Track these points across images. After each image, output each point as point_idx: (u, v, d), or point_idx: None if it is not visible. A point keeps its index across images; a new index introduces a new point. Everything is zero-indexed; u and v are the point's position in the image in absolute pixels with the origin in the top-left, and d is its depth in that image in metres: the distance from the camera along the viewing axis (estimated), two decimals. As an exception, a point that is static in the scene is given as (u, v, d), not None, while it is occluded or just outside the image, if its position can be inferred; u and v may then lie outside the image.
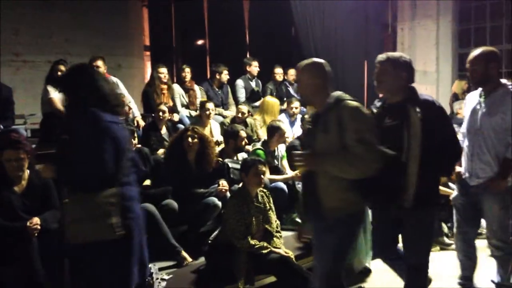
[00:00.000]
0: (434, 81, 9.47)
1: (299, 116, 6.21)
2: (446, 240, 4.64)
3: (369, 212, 4.20)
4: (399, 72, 2.85)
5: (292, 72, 7.25)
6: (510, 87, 3.15)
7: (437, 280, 3.69)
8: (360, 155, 2.46)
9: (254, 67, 6.68)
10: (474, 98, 3.34)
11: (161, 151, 4.86)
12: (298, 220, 4.81)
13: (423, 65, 9.66)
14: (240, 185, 3.89)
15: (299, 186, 4.99)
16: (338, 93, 2.68)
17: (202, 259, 3.71)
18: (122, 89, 5.46)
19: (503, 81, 3.22)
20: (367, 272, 4.04)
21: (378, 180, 2.51)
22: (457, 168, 3.41)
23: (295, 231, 4.53)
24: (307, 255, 3.93)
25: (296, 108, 6.29)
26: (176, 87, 6.15)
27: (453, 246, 4.19)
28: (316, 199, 2.63)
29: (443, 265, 4.04)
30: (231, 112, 6.34)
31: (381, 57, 2.92)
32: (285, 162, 5.13)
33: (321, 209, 2.62)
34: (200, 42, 7.98)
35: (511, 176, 3.15)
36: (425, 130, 2.71)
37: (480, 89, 3.29)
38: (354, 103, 2.59)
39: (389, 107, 2.91)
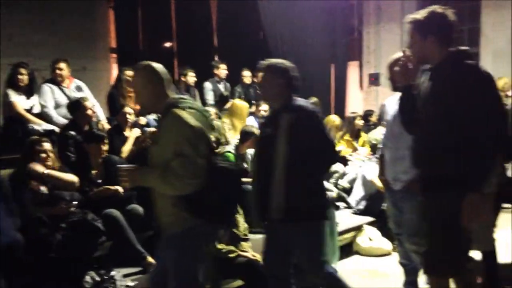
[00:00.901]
0: (399, 84, 9.66)
1: (267, 119, 6.24)
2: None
3: (334, 212, 4.27)
4: (277, 79, 2.82)
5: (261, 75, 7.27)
6: None
7: (396, 279, 3.77)
8: (176, 170, 2.27)
9: (222, 70, 6.66)
10: (394, 103, 3.29)
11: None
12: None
13: (388, 68, 9.82)
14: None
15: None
16: (175, 98, 2.48)
17: (168, 265, 3.67)
18: (87, 92, 5.35)
19: None
20: (334, 273, 4.06)
21: (206, 195, 2.36)
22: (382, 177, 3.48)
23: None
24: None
25: (265, 111, 6.30)
26: (143, 90, 6.06)
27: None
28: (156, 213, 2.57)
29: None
30: None
31: (261, 63, 2.93)
32: (253, 165, 5.13)
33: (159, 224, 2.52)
34: (167, 44, 7.90)
35: None
36: (296, 138, 2.67)
37: (399, 93, 3.30)
38: (178, 112, 2.36)
39: (270, 115, 2.93)
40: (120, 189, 3.83)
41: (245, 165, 5.04)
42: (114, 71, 7.78)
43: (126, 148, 4.66)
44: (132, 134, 4.84)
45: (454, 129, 2.34)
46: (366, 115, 7.69)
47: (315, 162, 2.72)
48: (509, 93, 6.85)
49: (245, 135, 4.94)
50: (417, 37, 2.46)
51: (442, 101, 2.37)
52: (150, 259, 3.68)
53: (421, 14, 2.47)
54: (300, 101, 2.86)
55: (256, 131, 5.10)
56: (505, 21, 8.47)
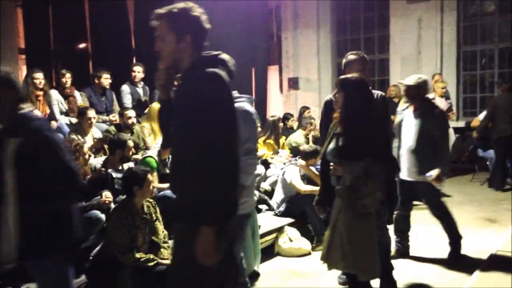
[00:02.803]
0: (316, 88, 10.01)
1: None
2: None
3: (256, 215, 4.30)
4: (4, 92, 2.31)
5: (180, 78, 7.16)
6: None
7: (322, 278, 3.88)
8: None
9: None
10: None
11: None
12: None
13: (306, 73, 10.17)
14: (124, 196, 3.72)
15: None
16: None
17: (83, 277, 3.49)
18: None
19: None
20: (256, 275, 4.10)
21: None
22: None
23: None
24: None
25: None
26: (54, 93, 5.76)
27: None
28: None
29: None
30: (114, 117, 6.06)
31: None
32: (174, 170, 5.03)
33: None
34: (81, 45, 7.54)
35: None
36: (23, 167, 2.24)
37: None
38: None
39: None
40: None
41: (168, 171, 4.93)
42: (24, 72, 7.30)
43: None
44: None
45: (189, 149, 1.98)
46: (285, 118, 7.87)
47: (50, 194, 2.29)
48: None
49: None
50: (171, 36, 2.03)
51: (181, 116, 2.03)
52: (63, 272, 3.47)
53: (176, 9, 2.04)
54: (31, 124, 2.30)
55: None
56: (412, 28, 9.09)
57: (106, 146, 5.26)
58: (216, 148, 1.90)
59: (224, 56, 2.14)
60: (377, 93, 3.46)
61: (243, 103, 2.83)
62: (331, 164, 3.02)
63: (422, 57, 9.05)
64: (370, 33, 9.80)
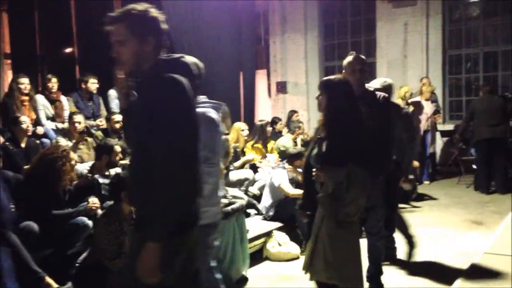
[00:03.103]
0: (304, 92, 10.05)
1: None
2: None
3: (245, 219, 4.31)
4: None
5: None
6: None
7: (310, 283, 3.87)
8: None
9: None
10: None
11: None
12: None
13: (294, 77, 10.21)
14: (112, 202, 3.70)
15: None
16: None
17: (69, 284, 3.46)
18: (-26, 101, 4.90)
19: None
20: (244, 280, 4.09)
21: None
22: None
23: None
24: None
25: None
26: (40, 98, 5.71)
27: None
28: None
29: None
30: (100, 122, 6.02)
31: None
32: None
33: None
34: (68, 50, 7.48)
35: None
36: None
37: None
38: None
39: None
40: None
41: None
42: (10, 78, 7.23)
43: None
44: None
45: (141, 157, 1.92)
46: (273, 122, 7.88)
47: None
48: (409, 101, 7.36)
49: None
50: (132, 39, 1.92)
51: (136, 122, 1.94)
52: (48, 279, 3.43)
53: (135, 10, 1.94)
54: None
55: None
56: (398, 32, 9.17)
57: (89, 139, 5.26)
58: (168, 157, 1.79)
59: (187, 59, 2.06)
60: (379, 94, 3.44)
61: (207, 109, 2.69)
62: (314, 169, 2.94)
63: (408, 61, 9.13)
64: (357, 37, 9.87)
